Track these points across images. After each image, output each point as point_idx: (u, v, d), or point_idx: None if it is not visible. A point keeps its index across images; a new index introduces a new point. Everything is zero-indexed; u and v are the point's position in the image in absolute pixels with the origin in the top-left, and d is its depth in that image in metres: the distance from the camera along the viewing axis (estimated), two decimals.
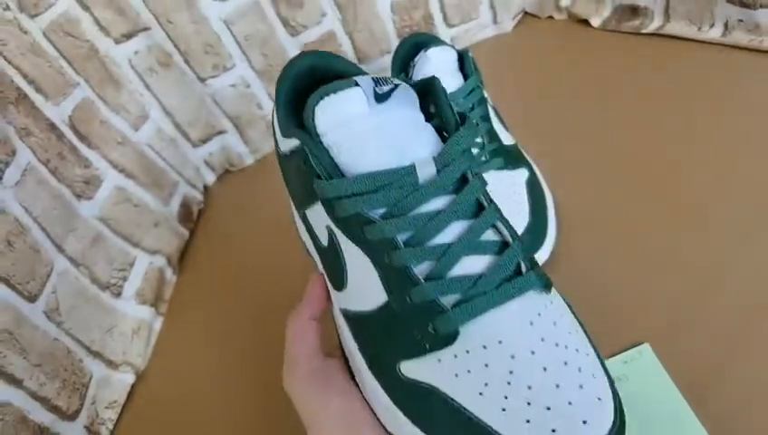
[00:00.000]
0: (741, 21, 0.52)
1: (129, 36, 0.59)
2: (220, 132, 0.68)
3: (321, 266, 0.29)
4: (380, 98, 0.24)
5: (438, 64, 0.46)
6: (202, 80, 0.63)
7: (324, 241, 0.27)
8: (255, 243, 0.59)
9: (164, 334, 0.55)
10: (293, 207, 0.31)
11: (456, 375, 0.22)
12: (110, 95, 0.59)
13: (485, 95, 0.48)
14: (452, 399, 0.22)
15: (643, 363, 0.35)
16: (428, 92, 0.26)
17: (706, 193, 0.43)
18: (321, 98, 0.24)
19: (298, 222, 0.31)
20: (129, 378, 0.50)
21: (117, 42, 0.59)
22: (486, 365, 0.22)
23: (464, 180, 0.25)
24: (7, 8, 0.49)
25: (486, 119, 0.46)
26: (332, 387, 0.24)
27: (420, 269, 0.23)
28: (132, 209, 0.56)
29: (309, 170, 0.25)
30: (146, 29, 0.59)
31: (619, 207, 0.45)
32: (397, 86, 0.25)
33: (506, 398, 0.21)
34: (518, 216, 0.42)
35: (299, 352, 0.27)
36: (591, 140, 0.52)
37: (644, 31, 0.60)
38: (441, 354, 0.22)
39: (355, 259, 0.25)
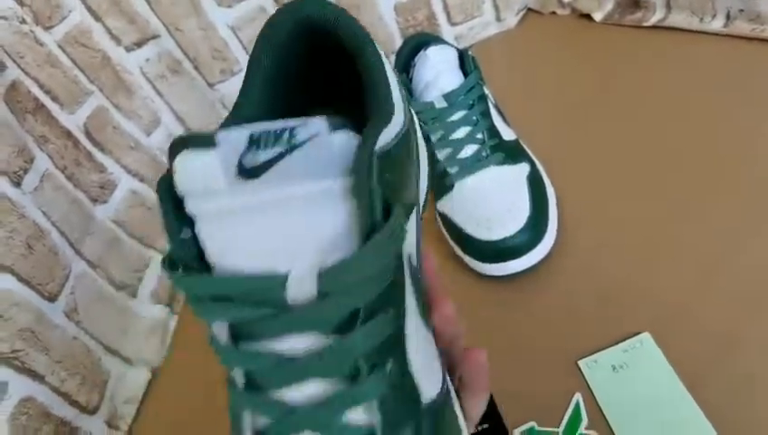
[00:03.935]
0: (742, 11, 0.52)
1: (139, 44, 0.61)
2: None
3: None
4: (251, 172, 0.15)
5: (438, 63, 0.47)
6: (211, 85, 0.64)
7: None
8: None
9: (179, 332, 0.56)
10: None
11: None
12: (123, 102, 0.61)
13: (486, 92, 0.48)
14: None
15: (643, 352, 0.36)
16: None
17: (707, 185, 0.44)
18: (179, 148, 0.16)
19: None
20: (146, 375, 0.51)
21: (128, 50, 0.61)
22: None
23: (353, 319, 0.17)
24: (23, 21, 0.51)
25: (487, 115, 0.46)
26: None
27: (256, 423, 0.19)
28: (146, 212, 0.58)
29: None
30: (156, 37, 0.61)
31: (619, 200, 0.45)
32: (293, 148, 0.15)
33: None
34: (519, 210, 0.43)
35: None
36: (593, 135, 0.52)
37: (646, 24, 0.60)
38: None
39: None
